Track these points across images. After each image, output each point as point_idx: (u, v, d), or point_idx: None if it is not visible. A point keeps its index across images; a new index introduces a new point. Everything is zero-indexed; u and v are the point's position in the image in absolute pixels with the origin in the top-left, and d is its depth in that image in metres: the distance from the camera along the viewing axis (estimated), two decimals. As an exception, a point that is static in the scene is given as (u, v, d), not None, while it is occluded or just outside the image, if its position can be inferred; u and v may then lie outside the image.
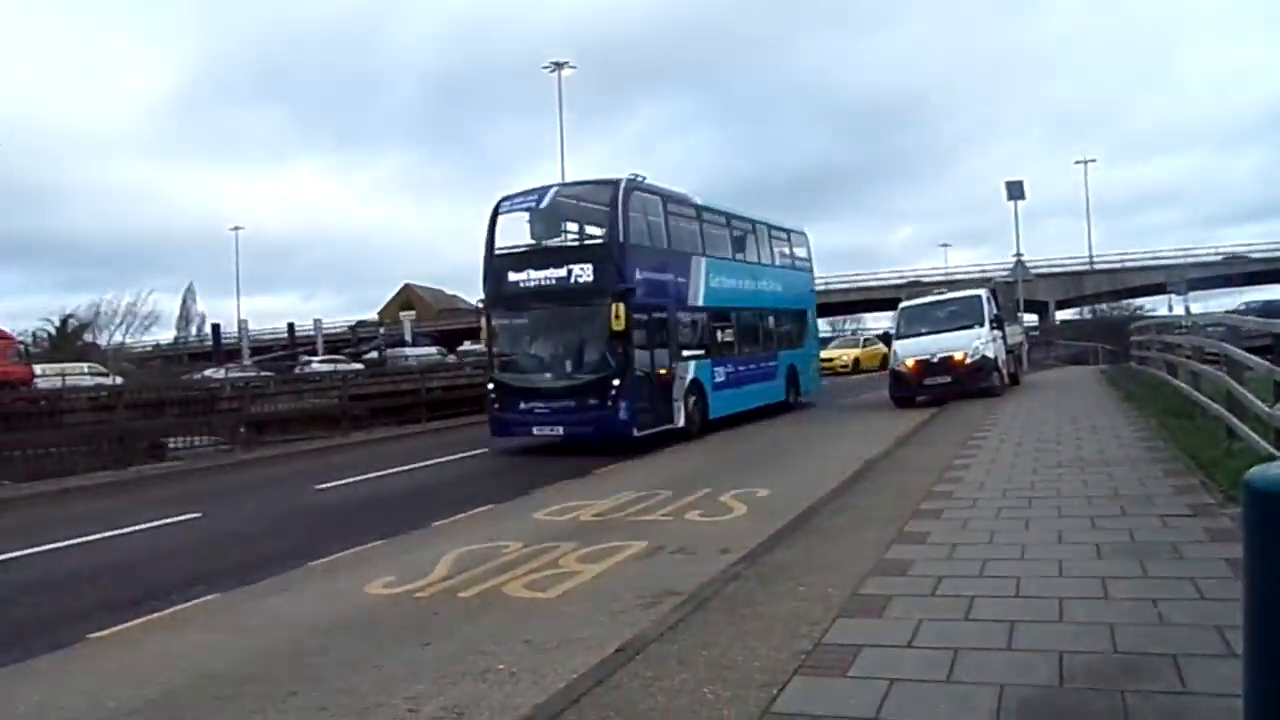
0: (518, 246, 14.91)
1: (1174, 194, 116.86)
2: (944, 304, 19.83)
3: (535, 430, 13.92)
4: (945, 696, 3.60)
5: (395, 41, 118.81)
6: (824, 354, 31.22)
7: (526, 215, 15.05)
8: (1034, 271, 35.54)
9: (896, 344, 18.99)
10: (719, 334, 16.94)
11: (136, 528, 9.51)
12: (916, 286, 29.26)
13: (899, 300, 21.54)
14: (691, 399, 15.14)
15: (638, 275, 14.01)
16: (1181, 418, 11.11)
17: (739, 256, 18.30)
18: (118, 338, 54.28)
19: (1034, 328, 44.21)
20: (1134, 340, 20.94)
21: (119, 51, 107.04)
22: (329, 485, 11.97)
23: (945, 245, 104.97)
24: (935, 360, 17.86)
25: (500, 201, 15.05)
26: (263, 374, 35.19)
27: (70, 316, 53.71)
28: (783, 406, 18.99)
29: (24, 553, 8.46)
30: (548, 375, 14.24)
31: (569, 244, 15.81)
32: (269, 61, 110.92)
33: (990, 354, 18.15)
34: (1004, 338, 19.60)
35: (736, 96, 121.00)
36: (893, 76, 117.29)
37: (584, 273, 13.86)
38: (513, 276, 14.43)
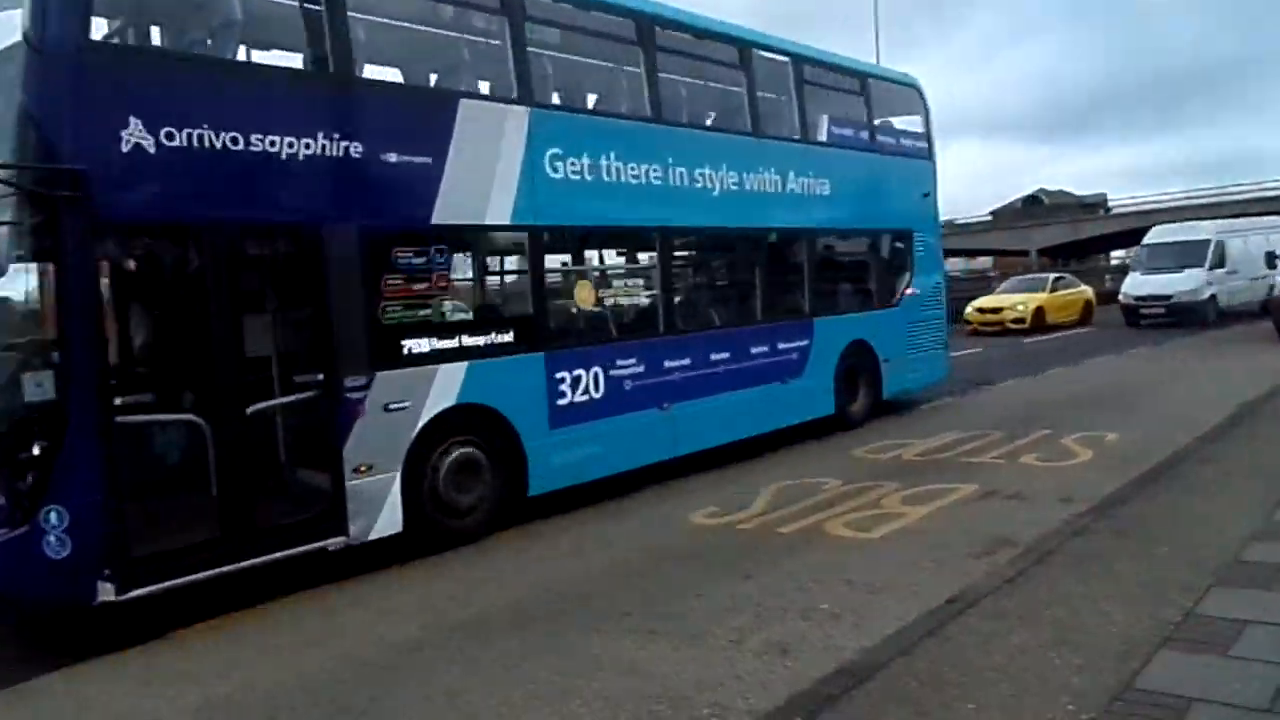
0: None
1: None
2: None
3: None
4: (1364, 694, 3.00)
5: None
6: (984, 302, 23.18)
7: None
8: None
9: None
10: (583, 290, 7.87)
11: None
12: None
13: None
14: (447, 461, 6.32)
15: (137, 136, 4.87)
16: None
17: (683, 118, 8.80)
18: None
19: None
20: None
21: None
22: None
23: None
24: None
25: None
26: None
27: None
28: (832, 423, 9.75)
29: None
30: None
31: None
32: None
33: None
34: None
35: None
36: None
37: None
38: None
